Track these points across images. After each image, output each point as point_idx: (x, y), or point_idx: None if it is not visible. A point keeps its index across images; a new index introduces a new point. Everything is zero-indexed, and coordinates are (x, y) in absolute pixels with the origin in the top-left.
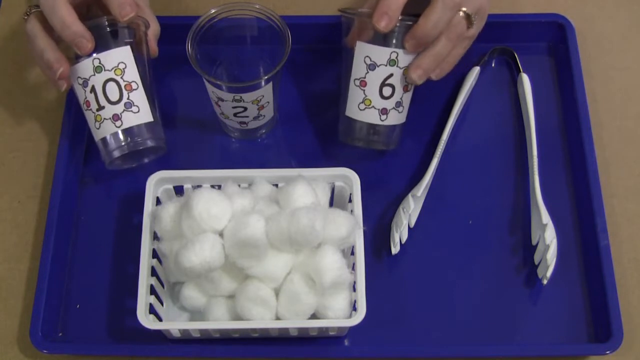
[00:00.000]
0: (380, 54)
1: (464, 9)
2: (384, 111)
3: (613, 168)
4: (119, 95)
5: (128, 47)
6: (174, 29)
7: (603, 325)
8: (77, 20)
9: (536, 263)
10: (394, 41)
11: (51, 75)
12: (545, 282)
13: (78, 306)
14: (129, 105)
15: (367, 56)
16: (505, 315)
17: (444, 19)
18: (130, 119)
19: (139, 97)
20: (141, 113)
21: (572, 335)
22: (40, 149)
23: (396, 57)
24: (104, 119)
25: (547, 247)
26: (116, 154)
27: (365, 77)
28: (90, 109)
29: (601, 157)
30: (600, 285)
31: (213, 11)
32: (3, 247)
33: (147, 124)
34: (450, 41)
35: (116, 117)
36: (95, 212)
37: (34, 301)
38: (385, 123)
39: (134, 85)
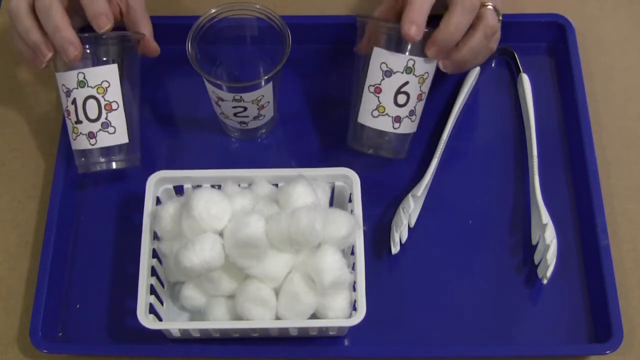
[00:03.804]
0: (397, 60)
1: (489, 4)
2: (397, 119)
3: (613, 168)
4: (97, 113)
5: (115, 66)
6: (174, 29)
7: (603, 325)
8: (70, 27)
9: (536, 263)
10: (408, 47)
11: (34, 58)
12: (545, 282)
13: (78, 306)
14: (105, 125)
15: (384, 62)
16: (505, 315)
17: (464, 22)
18: (105, 139)
19: (118, 117)
20: (117, 134)
21: (572, 335)
22: (40, 149)
23: (413, 65)
24: (80, 133)
25: (547, 247)
26: (89, 168)
27: (380, 84)
28: (70, 119)
29: (601, 157)
30: (600, 285)
31: (213, 11)
32: (3, 247)
33: (122, 145)
34: (487, 37)
35: (91, 135)
36: (95, 212)
37: (34, 301)
38: (398, 131)
39: (114, 106)
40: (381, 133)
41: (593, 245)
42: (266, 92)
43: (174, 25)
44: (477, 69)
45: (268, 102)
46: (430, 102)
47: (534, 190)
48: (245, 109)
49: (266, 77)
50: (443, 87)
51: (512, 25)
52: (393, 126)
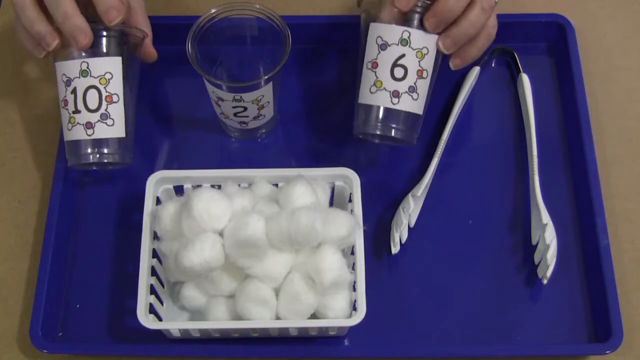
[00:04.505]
0: (392, 32)
1: None
2: (396, 94)
3: (613, 168)
4: (97, 104)
5: (119, 59)
6: (174, 29)
7: (603, 325)
8: (80, 14)
9: (536, 263)
10: (414, 22)
11: (38, 49)
12: (545, 282)
13: (78, 306)
14: (104, 116)
15: (379, 36)
16: (505, 315)
17: None
18: (103, 131)
19: (117, 110)
20: (115, 127)
21: (572, 335)
22: (40, 149)
23: (408, 37)
24: (77, 123)
25: (547, 247)
26: (81, 160)
27: (376, 58)
28: (67, 109)
29: (601, 157)
30: (600, 285)
31: (213, 11)
32: (3, 247)
33: (118, 139)
34: (485, 12)
35: (89, 125)
36: (95, 212)
37: (34, 301)
38: (398, 107)
39: (114, 98)
40: (381, 112)
41: (593, 245)
42: (266, 92)
43: (174, 25)
44: (477, 68)
45: (268, 102)
46: (430, 102)
47: (534, 190)
48: (245, 109)
49: (266, 77)
50: (443, 87)
51: (512, 25)
52: (392, 101)
